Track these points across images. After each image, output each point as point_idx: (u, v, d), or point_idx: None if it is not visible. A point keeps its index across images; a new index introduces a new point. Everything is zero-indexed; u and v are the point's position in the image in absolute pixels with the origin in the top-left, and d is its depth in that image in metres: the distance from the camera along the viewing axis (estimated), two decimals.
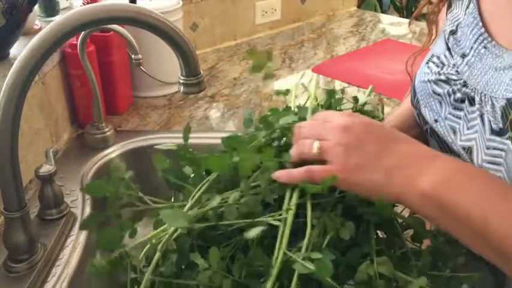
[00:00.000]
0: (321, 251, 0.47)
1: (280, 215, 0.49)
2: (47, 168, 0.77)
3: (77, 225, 0.81)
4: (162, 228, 0.52)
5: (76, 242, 0.78)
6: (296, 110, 0.62)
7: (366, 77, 1.35)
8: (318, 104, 0.65)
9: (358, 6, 2.06)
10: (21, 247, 0.69)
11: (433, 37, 0.78)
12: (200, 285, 0.48)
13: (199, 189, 0.54)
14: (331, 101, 0.65)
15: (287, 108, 0.64)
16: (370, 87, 0.69)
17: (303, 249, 0.47)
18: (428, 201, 0.49)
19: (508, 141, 0.55)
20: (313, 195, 0.51)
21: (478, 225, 0.46)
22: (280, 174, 0.53)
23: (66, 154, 0.99)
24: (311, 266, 0.45)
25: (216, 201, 0.51)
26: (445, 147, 0.65)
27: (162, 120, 1.12)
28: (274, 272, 0.46)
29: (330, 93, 0.65)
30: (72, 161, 0.96)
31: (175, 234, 0.51)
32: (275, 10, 1.71)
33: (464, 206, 0.47)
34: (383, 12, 2.75)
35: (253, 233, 0.47)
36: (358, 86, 1.31)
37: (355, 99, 0.66)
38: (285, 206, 0.50)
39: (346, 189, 0.52)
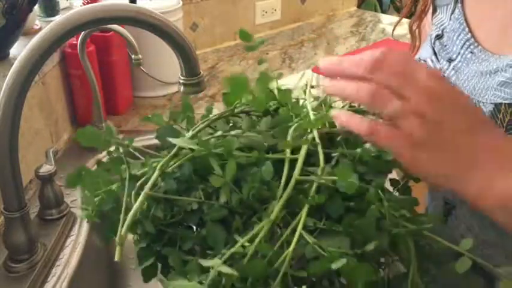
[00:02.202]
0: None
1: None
2: (47, 168, 0.77)
3: (77, 225, 0.81)
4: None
5: (76, 242, 0.78)
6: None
7: None
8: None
9: (358, 6, 2.06)
10: (21, 247, 0.69)
11: (416, 47, 0.79)
12: (204, 204, 0.48)
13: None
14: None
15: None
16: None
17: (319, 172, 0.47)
18: (509, 207, 0.43)
19: None
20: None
21: None
22: (339, 115, 0.46)
23: (66, 154, 0.99)
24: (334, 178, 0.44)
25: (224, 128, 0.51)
26: None
27: None
28: (287, 193, 0.46)
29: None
30: (72, 161, 0.96)
31: (179, 162, 0.50)
32: (275, 10, 1.71)
33: None
34: (383, 12, 2.75)
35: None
36: None
37: None
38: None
39: (409, 169, 0.46)
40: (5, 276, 0.68)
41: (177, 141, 0.50)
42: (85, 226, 0.81)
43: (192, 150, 0.49)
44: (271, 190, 0.48)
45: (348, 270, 0.42)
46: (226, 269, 0.41)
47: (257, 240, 0.44)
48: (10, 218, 0.66)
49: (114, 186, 0.53)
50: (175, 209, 0.50)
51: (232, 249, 0.44)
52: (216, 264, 0.42)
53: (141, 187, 0.49)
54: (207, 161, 0.49)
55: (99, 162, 0.54)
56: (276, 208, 0.46)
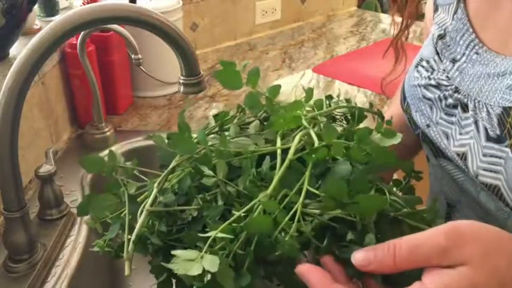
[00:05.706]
0: None
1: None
2: (47, 168, 0.77)
3: (77, 225, 0.81)
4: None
5: (76, 242, 0.78)
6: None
7: (366, 77, 1.35)
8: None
9: (358, 6, 2.06)
10: (21, 247, 0.69)
11: (402, 61, 0.79)
12: (204, 210, 0.48)
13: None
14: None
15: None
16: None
17: None
18: None
19: (508, 149, 0.54)
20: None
21: None
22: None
23: (66, 154, 0.99)
24: None
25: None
26: (439, 153, 0.65)
27: (162, 120, 1.12)
28: (283, 168, 0.46)
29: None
30: (72, 161, 0.96)
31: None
32: (275, 10, 1.71)
33: None
34: (383, 12, 2.75)
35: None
36: (358, 86, 1.31)
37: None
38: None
39: None
40: (5, 276, 0.68)
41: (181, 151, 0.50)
42: (85, 226, 0.81)
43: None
44: (267, 176, 0.47)
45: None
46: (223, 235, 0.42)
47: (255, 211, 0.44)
48: (10, 218, 0.66)
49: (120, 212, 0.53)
50: (179, 222, 0.50)
51: (232, 218, 0.44)
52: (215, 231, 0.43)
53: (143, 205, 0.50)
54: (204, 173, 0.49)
55: (107, 188, 0.55)
56: (274, 181, 0.45)
